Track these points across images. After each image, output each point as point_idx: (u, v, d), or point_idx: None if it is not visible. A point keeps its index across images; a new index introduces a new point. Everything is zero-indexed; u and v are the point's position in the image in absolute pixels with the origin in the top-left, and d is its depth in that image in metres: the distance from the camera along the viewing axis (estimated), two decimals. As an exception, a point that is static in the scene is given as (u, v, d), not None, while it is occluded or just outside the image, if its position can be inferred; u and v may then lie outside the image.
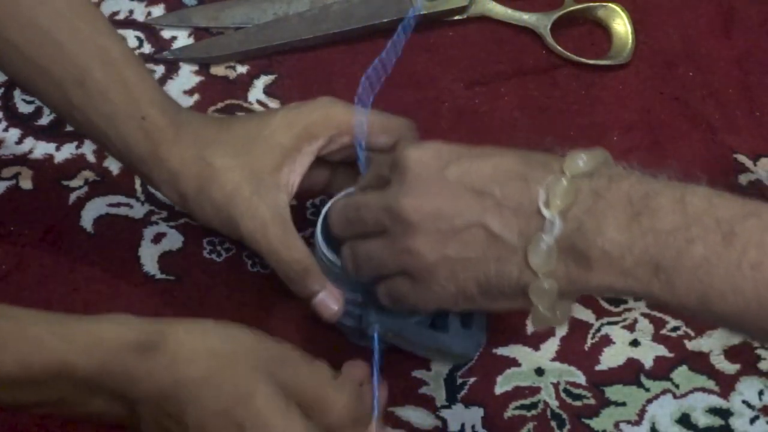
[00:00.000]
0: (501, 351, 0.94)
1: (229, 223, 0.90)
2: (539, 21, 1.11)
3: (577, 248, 0.75)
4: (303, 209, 1.00)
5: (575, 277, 0.76)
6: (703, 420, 0.91)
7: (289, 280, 0.90)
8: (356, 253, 0.84)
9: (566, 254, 0.75)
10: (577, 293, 0.77)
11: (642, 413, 0.91)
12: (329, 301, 0.89)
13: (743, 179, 1.03)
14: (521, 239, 0.76)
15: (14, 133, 1.06)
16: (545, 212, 0.75)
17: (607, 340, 0.95)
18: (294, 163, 0.91)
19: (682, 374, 0.93)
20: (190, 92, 1.09)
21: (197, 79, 1.10)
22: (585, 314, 0.96)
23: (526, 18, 1.12)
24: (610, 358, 0.94)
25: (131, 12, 1.15)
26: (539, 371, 0.93)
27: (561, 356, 0.94)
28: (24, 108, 1.08)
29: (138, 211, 1.01)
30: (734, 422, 0.91)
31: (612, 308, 0.96)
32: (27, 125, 1.07)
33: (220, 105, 1.08)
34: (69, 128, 1.06)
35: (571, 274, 0.76)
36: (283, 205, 0.90)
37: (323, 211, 0.90)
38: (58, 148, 1.05)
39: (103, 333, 0.76)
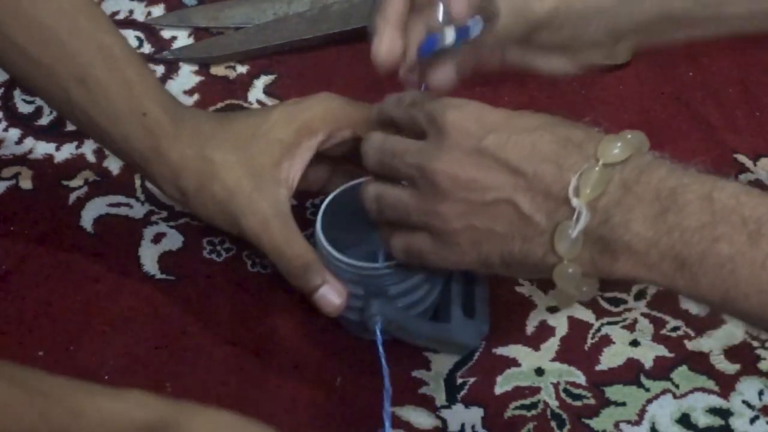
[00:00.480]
0: (501, 351, 0.94)
1: (230, 220, 0.91)
2: (539, 21, 1.11)
3: (603, 239, 0.75)
4: (303, 209, 1.00)
5: (600, 265, 0.76)
6: (703, 420, 0.91)
7: (291, 276, 0.90)
8: (382, 195, 0.84)
9: (592, 243, 0.76)
10: (602, 277, 0.78)
11: (642, 413, 0.91)
12: (332, 294, 0.89)
13: (743, 179, 1.03)
14: (549, 222, 0.77)
15: (14, 133, 1.06)
16: (574, 202, 0.75)
17: (607, 340, 0.95)
18: (294, 158, 0.91)
19: (682, 374, 0.93)
20: (190, 92, 1.09)
21: (197, 79, 1.10)
22: (585, 314, 0.96)
23: (526, 18, 1.12)
24: (610, 358, 0.94)
25: (131, 12, 1.15)
26: (539, 371, 0.93)
27: (561, 356, 0.94)
28: (24, 108, 1.08)
29: (138, 211, 1.01)
30: (734, 422, 0.91)
31: (612, 308, 0.96)
32: (27, 125, 1.07)
33: (220, 105, 1.08)
34: (69, 128, 1.06)
35: (596, 261, 0.76)
36: (283, 200, 0.90)
37: (323, 206, 0.91)
38: (58, 148, 1.05)
39: (116, 412, 0.74)
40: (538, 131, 0.79)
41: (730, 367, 0.93)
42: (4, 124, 1.07)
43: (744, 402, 0.91)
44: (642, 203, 0.74)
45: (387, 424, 0.85)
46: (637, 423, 0.91)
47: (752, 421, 0.91)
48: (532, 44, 0.89)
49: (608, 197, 0.75)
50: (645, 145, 0.78)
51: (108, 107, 0.91)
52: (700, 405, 0.92)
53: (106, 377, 0.91)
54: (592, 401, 0.92)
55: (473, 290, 0.91)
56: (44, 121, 1.07)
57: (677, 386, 0.92)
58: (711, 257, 0.72)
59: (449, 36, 0.85)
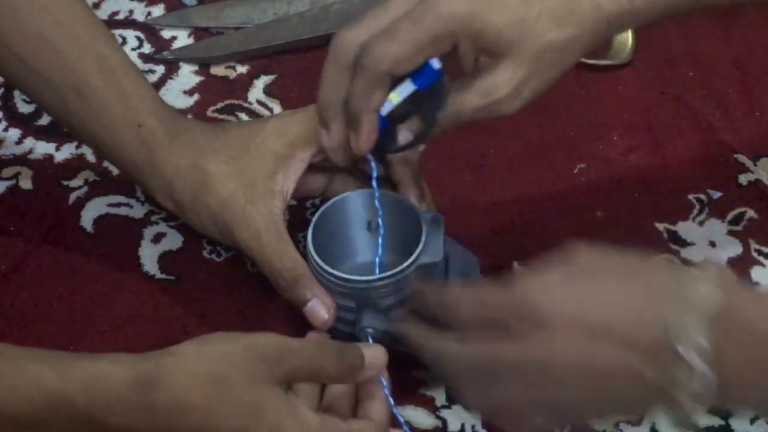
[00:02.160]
0: (501, 351, 0.94)
1: (223, 231, 0.91)
2: (539, 21, 1.11)
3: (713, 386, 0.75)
4: (303, 209, 1.00)
5: (716, 403, 0.76)
6: (703, 420, 0.91)
7: (280, 288, 0.90)
8: (492, 399, 0.79)
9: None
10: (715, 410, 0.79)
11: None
12: (320, 309, 0.89)
13: (743, 179, 1.03)
14: (664, 378, 0.75)
15: (14, 133, 1.06)
16: (695, 362, 0.74)
17: (607, 340, 0.94)
18: (288, 169, 0.91)
19: (682, 374, 0.93)
20: (190, 92, 1.09)
21: (197, 79, 1.10)
22: (585, 314, 0.96)
23: (526, 18, 1.11)
24: (610, 358, 0.94)
25: (131, 12, 1.15)
26: (539, 371, 0.93)
27: (561, 356, 0.94)
28: (24, 108, 1.08)
29: (138, 211, 1.01)
30: (734, 422, 0.91)
31: (612, 308, 0.96)
32: (27, 125, 1.07)
33: (220, 105, 1.08)
34: (69, 128, 1.06)
35: (712, 401, 0.76)
36: (277, 212, 0.90)
37: (314, 219, 0.90)
38: (58, 148, 1.05)
39: (100, 372, 0.75)
40: (625, 285, 0.76)
41: (730, 367, 0.93)
42: (4, 124, 1.07)
43: (744, 402, 0.91)
44: (740, 348, 0.74)
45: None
46: (637, 423, 0.90)
47: (752, 421, 0.91)
48: None
49: (715, 348, 0.74)
50: (730, 277, 0.77)
51: (104, 117, 0.92)
52: (700, 405, 0.91)
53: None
54: (592, 401, 0.91)
55: None
56: (44, 121, 1.07)
57: (677, 386, 0.92)
58: None
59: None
